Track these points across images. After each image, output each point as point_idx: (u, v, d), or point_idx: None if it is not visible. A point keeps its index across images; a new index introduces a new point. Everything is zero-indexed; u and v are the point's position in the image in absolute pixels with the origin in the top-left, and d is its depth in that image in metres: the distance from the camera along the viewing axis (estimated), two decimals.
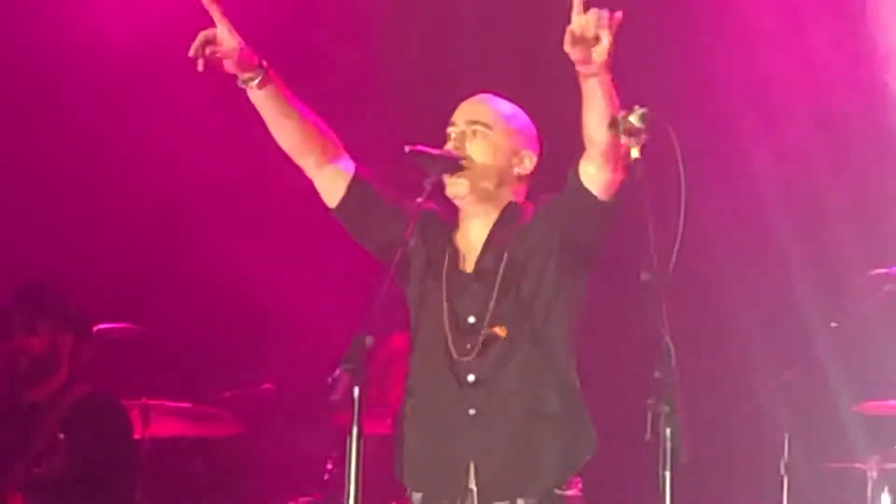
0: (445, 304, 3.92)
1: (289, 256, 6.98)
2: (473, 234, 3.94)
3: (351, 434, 3.51)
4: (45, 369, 5.52)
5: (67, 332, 5.52)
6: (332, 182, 3.94)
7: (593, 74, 3.54)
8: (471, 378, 3.79)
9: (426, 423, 3.92)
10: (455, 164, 3.85)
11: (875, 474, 5.52)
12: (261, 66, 3.82)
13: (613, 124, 3.49)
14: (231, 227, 7.02)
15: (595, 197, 3.72)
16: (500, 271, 3.93)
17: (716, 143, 6.12)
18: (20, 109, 7.16)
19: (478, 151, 3.86)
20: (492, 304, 3.86)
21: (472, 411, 3.77)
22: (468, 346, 3.81)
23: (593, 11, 3.50)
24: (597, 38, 3.49)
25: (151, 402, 5.90)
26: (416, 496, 3.92)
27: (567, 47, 3.46)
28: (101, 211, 7.22)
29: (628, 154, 3.43)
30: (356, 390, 3.50)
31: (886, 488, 5.52)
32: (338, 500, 3.58)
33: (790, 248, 6.23)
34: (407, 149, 3.89)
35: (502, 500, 3.81)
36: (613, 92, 3.58)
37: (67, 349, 5.55)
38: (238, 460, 6.91)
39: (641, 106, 3.50)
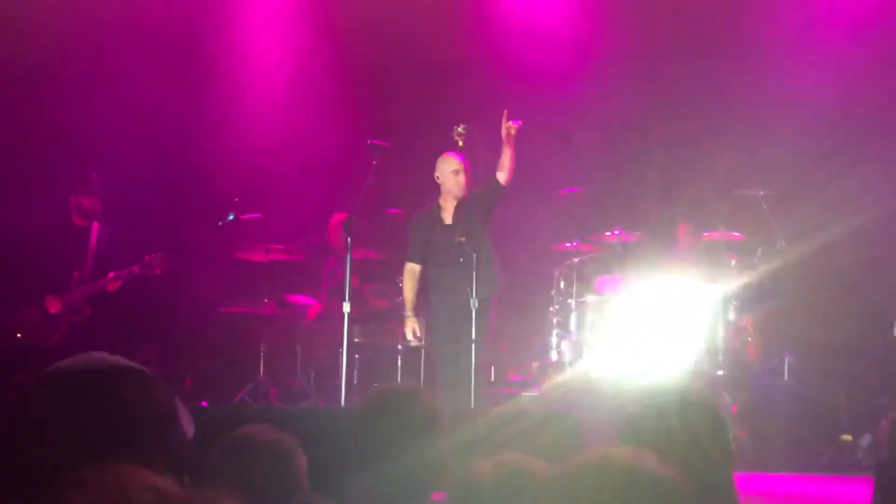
0: (440, 231, 7.33)
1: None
2: (448, 208, 7.40)
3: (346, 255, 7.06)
4: None
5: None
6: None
7: (509, 146, 7.08)
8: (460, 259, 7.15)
9: (442, 276, 7.31)
10: (383, 149, 7.26)
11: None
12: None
13: (455, 131, 7.04)
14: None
15: (501, 185, 7.25)
16: (463, 220, 7.27)
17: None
18: None
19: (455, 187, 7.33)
20: (459, 231, 7.20)
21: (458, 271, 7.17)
22: (450, 245, 7.23)
23: (509, 124, 7.00)
24: (510, 133, 7.00)
25: (270, 245, 8.74)
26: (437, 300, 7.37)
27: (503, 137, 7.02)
28: None
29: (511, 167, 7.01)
30: (349, 240, 7.05)
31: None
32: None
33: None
34: (368, 141, 7.27)
35: (473, 297, 6.97)
36: (514, 151, 7.12)
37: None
38: (304, 273, 9.29)
39: (463, 124, 7.00)
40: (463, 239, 7.02)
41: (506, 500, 2.00)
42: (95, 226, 8.12)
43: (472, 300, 6.89)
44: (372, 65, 9.47)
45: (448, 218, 7.25)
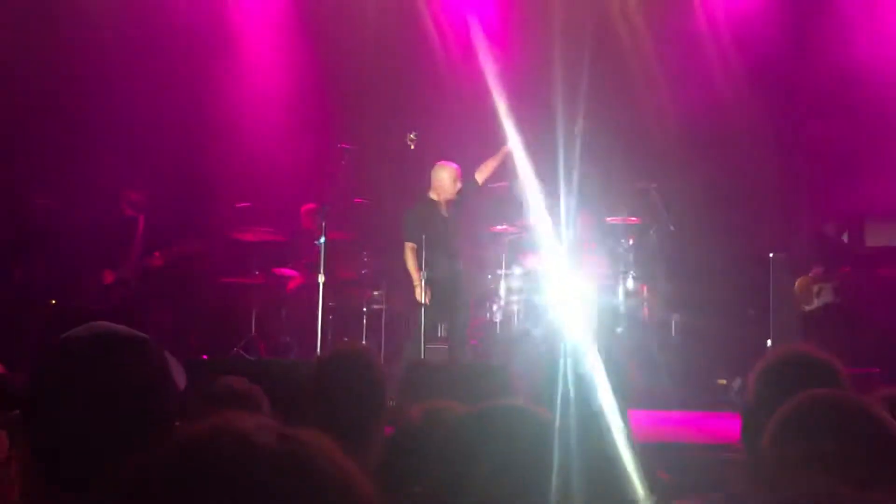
0: (440, 222, 7.46)
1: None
2: (443, 203, 7.56)
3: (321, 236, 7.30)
4: None
5: None
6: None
7: (502, 155, 7.43)
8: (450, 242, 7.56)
9: (435, 256, 7.29)
10: (351, 151, 7.50)
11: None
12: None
13: (408, 137, 7.20)
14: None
15: (478, 184, 7.67)
16: (454, 213, 7.53)
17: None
18: None
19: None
20: (453, 222, 7.50)
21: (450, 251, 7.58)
22: (446, 233, 7.50)
23: (508, 145, 7.32)
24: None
25: (259, 227, 8.77)
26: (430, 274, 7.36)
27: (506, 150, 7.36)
28: None
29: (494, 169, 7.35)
30: (323, 224, 7.32)
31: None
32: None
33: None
34: (338, 145, 7.46)
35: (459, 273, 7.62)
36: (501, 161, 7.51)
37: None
38: (287, 250, 9.07)
39: (414, 131, 7.12)
40: (456, 229, 7.32)
41: (430, 440, 2.09)
42: (142, 217, 8.53)
43: (458, 275, 7.32)
44: (340, 83, 9.45)
45: (444, 212, 7.43)
